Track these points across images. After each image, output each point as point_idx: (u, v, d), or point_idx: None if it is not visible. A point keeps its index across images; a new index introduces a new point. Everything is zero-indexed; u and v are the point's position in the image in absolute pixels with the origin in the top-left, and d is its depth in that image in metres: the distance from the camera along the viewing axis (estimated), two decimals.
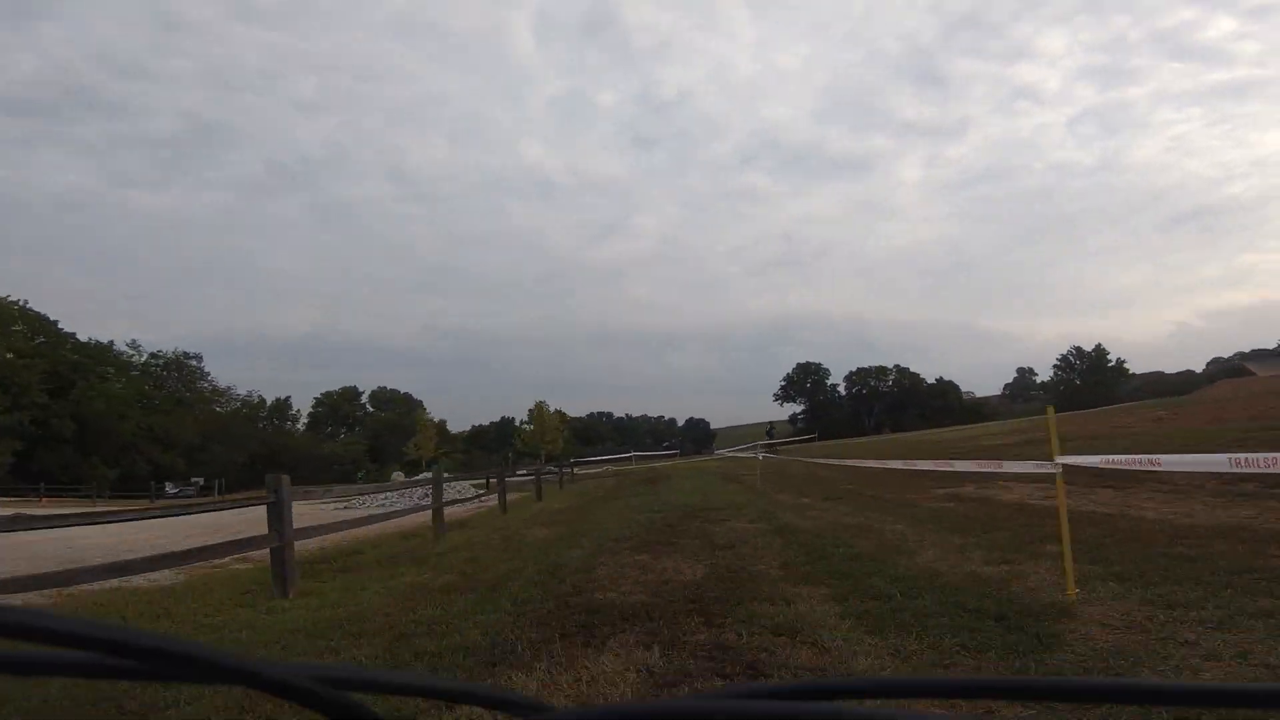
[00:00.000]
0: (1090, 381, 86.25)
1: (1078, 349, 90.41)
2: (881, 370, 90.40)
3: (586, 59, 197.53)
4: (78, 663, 0.34)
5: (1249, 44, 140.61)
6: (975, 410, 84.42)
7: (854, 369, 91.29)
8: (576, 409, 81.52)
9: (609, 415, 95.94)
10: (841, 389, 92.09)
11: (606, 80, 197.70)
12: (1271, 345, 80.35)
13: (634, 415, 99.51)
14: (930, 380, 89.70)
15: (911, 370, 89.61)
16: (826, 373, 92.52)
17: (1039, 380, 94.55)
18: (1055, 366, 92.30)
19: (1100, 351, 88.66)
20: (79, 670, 0.34)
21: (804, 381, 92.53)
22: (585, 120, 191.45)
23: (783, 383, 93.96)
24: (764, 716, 0.36)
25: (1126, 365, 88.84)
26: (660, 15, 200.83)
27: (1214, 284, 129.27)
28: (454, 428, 72.41)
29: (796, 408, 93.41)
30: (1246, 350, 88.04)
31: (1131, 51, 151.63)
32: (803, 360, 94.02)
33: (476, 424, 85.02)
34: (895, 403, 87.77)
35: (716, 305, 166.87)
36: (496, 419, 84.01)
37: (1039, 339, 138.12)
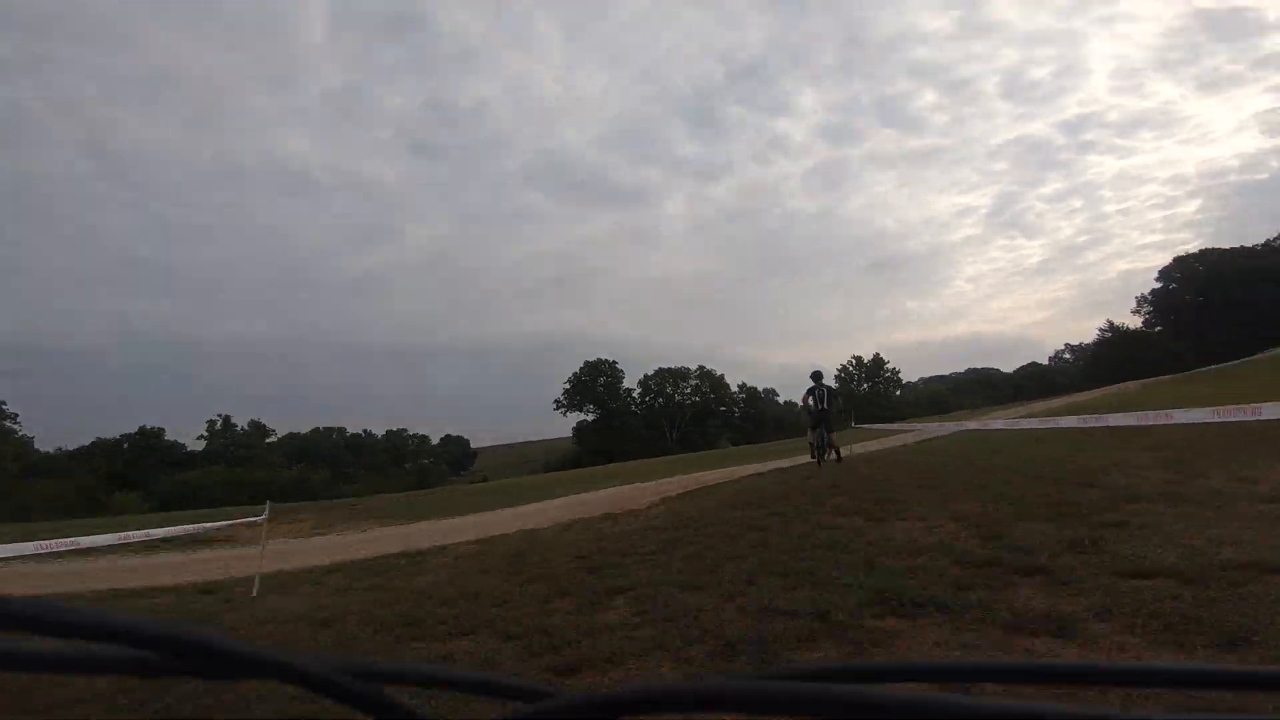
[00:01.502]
0: (874, 390, 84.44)
1: (858, 358, 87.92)
2: (682, 374, 75.66)
3: (381, 57, 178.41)
4: (94, 658, 0.32)
5: (941, 115, 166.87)
6: (780, 419, 74.98)
7: (652, 370, 75.48)
8: (303, 423, 71.74)
9: (341, 431, 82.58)
10: (638, 394, 75.36)
11: (399, 82, 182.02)
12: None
13: (374, 432, 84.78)
14: (735, 386, 77.81)
15: (716, 373, 76.39)
16: (620, 374, 74.94)
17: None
18: (838, 377, 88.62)
19: (878, 360, 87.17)
20: (95, 667, 0.33)
21: (593, 384, 73.68)
22: (363, 119, 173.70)
23: (567, 386, 73.75)
24: (775, 697, 0.35)
25: (900, 374, 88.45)
26: (474, 24, 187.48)
27: (884, 324, 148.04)
28: None
29: (585, 417, 73.88)
30: None
31: (859, 114, 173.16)
32: (592, 359, 74.84)
33: None
34: (700, 411, 73.77)
35: (488, 322, 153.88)
36: None
37: (767, 365, 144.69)
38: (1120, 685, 0.39)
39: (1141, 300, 71.49)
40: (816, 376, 12.44)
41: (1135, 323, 67.94)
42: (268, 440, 72.23)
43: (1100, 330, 70.11)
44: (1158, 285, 71.58)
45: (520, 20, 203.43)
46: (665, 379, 74.73)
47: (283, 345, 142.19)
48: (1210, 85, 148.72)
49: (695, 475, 15.43)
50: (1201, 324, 61.51)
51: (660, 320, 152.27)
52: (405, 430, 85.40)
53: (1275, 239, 67.92)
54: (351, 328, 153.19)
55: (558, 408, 73.59)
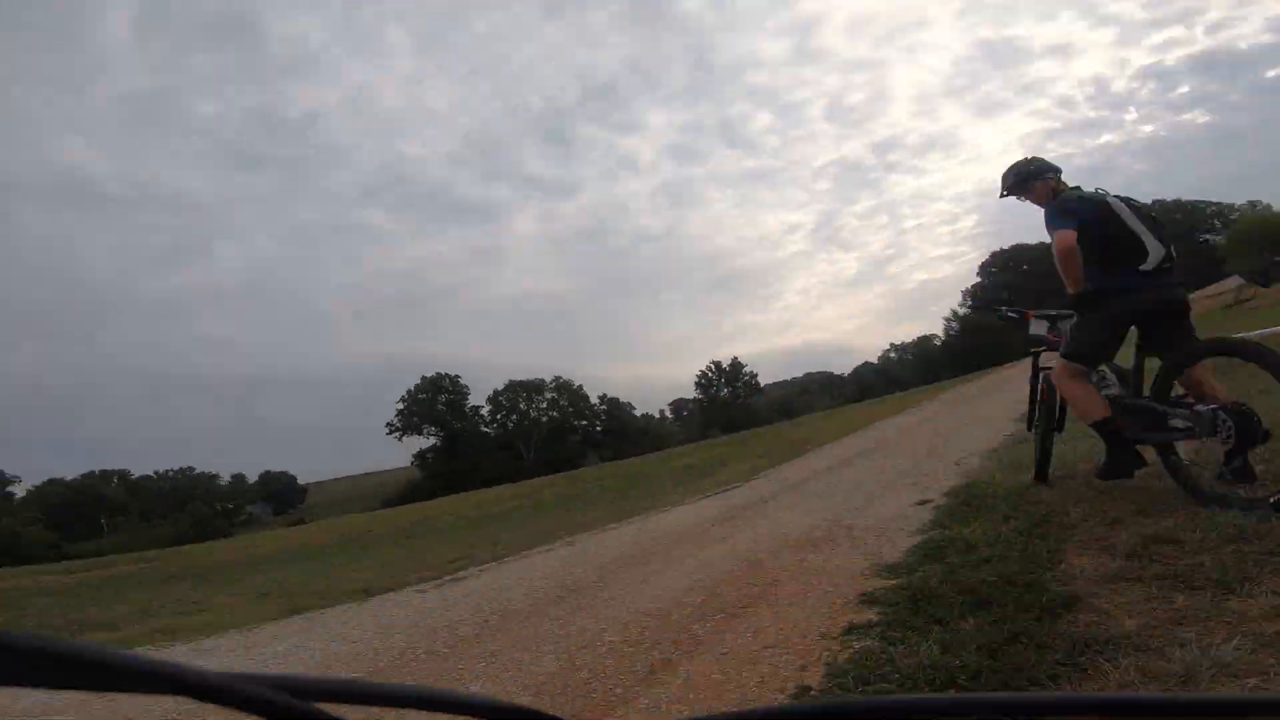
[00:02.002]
0: (735, 394, 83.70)
1: (716, 363, 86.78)
2: (536, 386, 68.74)
3: (191, 60, 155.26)
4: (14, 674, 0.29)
5: (773, 138, 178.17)
6: (644, 431, 70.85)
7: (503, 384, 67.88)
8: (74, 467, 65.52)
9: (125, 474, 72.57)
10: (487, 412, 67.32)
11: (214, 87, 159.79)
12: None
13: (169, 471, 73.37)
14: (594, 398, 72.24)
15: (574, 384, 70.33)
16: (465, 390, 66.50)
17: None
18: (698, 384, 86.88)
19: (737, 365, 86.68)
20: (14, 681, 0.30)
21: (433, 403, 64.56)
22: (167, 127, 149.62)
23: (401, 406, 63.92)
24: None
25: (758, 378, 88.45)
26: (315, 33, 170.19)
27: (729, 337, 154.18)
28: None
29: (425, 441, 64.35)
30: None
31: (703, 135, 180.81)
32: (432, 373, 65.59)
33: None
34: (558, 426, 67.27)
35: (320, 346, 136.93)
36: None
37: (621, 379, 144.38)
38: (1142, 716, 0.35)
39: (966, 293, 76.71)
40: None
41: (935, 327, 72.83)
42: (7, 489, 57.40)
43: (946, 320, 73.70)
44: (977, 279, 77.22)
45: (369, 29, 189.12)
46: (518, 393, 67.43)
47: (59, 373, 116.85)
48: (985, 110, 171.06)
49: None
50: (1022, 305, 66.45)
51: (513, 339, 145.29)
52: (192, 469, 70.70)
53: None
54: (151, 355, 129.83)
55: (391, 431, 63.53)
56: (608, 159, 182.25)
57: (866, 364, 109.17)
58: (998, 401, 12.64)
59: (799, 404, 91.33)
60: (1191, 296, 3.98)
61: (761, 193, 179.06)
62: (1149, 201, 3.77)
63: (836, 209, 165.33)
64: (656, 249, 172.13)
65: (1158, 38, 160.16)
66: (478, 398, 67.47)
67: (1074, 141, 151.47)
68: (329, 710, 0.33)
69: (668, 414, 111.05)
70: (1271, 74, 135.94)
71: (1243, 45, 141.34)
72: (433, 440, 63.53)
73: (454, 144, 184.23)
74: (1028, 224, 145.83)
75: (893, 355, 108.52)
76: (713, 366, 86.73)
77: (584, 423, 71.11)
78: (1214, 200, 78.27)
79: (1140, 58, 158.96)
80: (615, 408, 73.19)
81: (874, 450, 9.66)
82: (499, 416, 66.98)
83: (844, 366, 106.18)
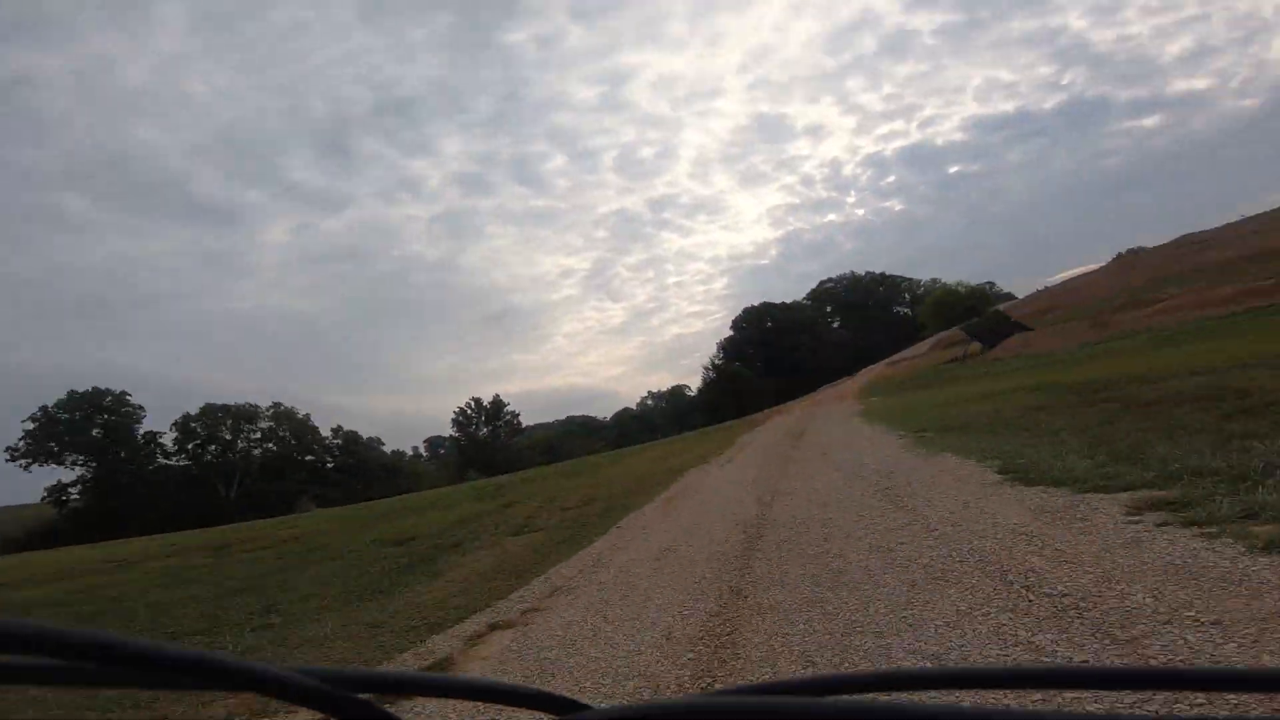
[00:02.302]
0: (495, 434, 78.33)
1: (476, 400, 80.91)
2: (247, 414, 56.01)
3: None
4: (80, 672, 0.32)
5: (564, 180, 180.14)
6: (391, 469, 61.75)
7: (197, 408, 54.06)
8: None
9: None
10: (170, 442, 52.70)
11: None
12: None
13: None
14: (326, 430, 61.17)
15: (299, 414, 58.84)
16: (137, 411, 51.47)
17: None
18: (456, 421, 79.86)
19: (498, 403, 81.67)
20: (82, 679, 0.32)
21: (85, 424, 48.58)
22: None
23: (35, 425, 46.99)
24: (803, 713, 0.34)
25: (520, 418, 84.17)
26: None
27: (495, 374, 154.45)
28: None
29: (68, 473, 47.69)
30: None
31: (496, 168, 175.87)
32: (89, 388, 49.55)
33: None
34: (275, 461, 55.16)
35: None
36: None
37: (375, 413, 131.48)
38: (1110, 688, 0.38)
39: (721, 345, 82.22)
40: None
41: (691, 378, 77.61)
42: None
43: (705, 368, 77.24)
44: (730, 333, 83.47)
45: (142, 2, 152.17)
46: (219, 420, 54.09)
47: None
48: (749, 180, 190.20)
49: None
50: (770, 363, 72.66)
51: (238, 360, 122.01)
52: None
53: (807, 296, 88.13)
54: None
55: (15, 459, 46.06)
56: (388, 178, 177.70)
57: (626, 409, 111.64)
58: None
59: (563, 447, 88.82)
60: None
61: (543, 233, 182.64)
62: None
63: (611, 259, 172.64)
64: (428, 278, 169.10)
65: (884, 129, 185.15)
66: (160, 423, 52.82)
67: (806, 218, 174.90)
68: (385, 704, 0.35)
69: (423, 451, 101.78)
70: (953, 170, 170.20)
71: (939, 141, 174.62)
72: (79, 471, 47.37)
73: (204, 136, 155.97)
74: (769, 288, 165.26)
75: (650, 402, 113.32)
76: (472, 403, 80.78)
77: (311, 458, 59.74)
78: (906, 276, 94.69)
79: (868, 146, 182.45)
80: (353, 443, 62.99)
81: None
82: (190, 446, 52.85)
83: (605, 410, 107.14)
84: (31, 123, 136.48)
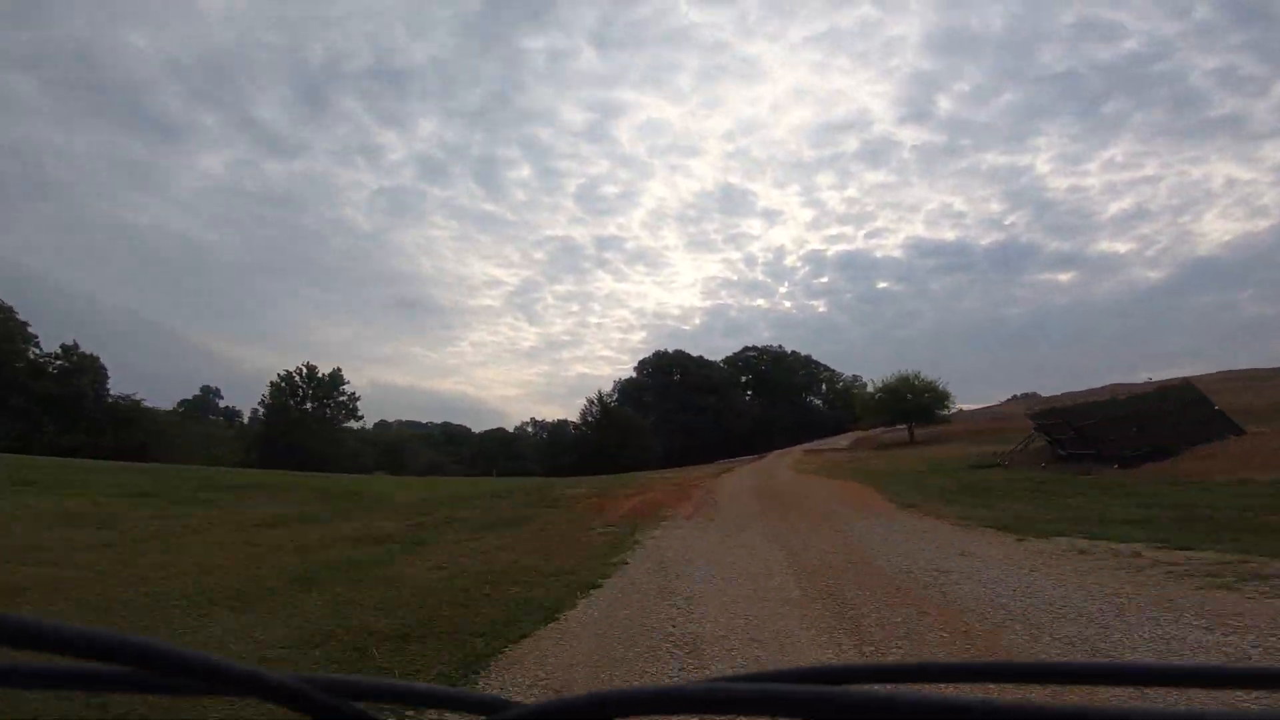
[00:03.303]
0: (320, 410, 62.44)
1: (309, 367, 64.92)
2: None
3: None
4: (68, 673, 0.32)
5: (523, 192, 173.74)
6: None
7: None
8: None
9: None
10: None
11: None
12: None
13: None
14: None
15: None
16: None
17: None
18: (275, 388, 63.48)
19: (337, 378, 66.01)
20: (70, 681, 0.33)
21: None
22: None
23: None
24: (749, 697, 0.35)
25: (359, 400, 68.37)
26: None
27: (384, 361, 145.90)
28: None
29: None
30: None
31: (461, 160, 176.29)
32: None
33: None
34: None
35: None
36: None
37: (240, 365, 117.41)
38: (1132, 685, 0.38)
39: (618, 384, 71.24)
40: None
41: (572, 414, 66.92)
42: None
43: (590, 401, 65.10)
44: (634, 374, 72.77)
45: None
46: None
47: None
48: (696, 244, 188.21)
49: None
50: (666, 417, 62.06)
51: (122, 273, 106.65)
52: None
53: (725, 360, 79.17)
54: None
55: None
56: (352, 140, 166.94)
57: (500, 429, 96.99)
58: None
59: (406, 452, 74.30)
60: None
61: (484, 238, 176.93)
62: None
63: (541, 282, 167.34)
64: (352, 245, 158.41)
65: (835, 230, 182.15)
66: None
67: (737, 297, 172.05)
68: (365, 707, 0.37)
69: (245, 419, 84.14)
70: (881, 285, 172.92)
71: (878, 254, 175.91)
72: None
73: (188, 54, 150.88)
74: (683, 343, 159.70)
75: (529, 430, 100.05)
76: (304, 369, 64.42)
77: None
78: (828, 366, 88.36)
79: (814, 242, 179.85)
80: (76, 371, 45.53)
81: None
82: None
83: (484, 426, 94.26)
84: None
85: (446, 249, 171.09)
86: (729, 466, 34.59)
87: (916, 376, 41.22)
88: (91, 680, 0.33)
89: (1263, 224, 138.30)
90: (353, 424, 68.03)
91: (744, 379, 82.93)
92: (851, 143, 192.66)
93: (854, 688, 0.36)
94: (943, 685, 0.39)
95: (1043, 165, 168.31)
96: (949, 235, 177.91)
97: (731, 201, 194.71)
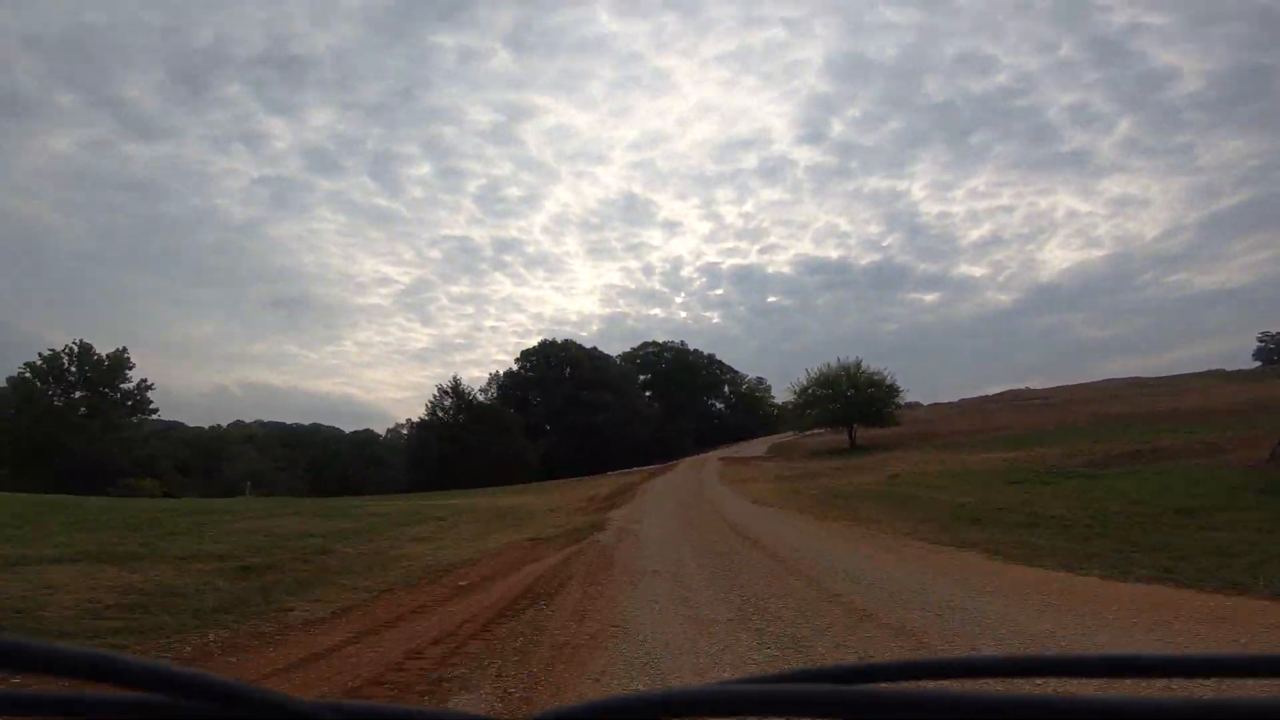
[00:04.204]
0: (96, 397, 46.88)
1: (81, 345, 49.14)
2: None
3: None
4: (106, 702, 0.32)
5: (420, 189, 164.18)
6: None
7: None
8: None
9: None
10: None
11: None
12: None
13: None
14: None
15: None
16: None
17: None
18: (37, 372, 47.16)
19: (119, 361, 50.45)
20: (107, 710, 0.33)
21: None
22: None
23: None
24: (758, 699, 0.34)
25: (149, 388, 52.61)
26: None
27: (255, 360, 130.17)
28: None
29: None
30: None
31: (355, 153, 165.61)
32: None
33: None
34: None
35: None
36: None
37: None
38: (1145, 676, 0.37)
39: (494, 378, 60.20)
40: None
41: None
42: None
43: (441, 391, 52.92)
44: (515, 366, 61.98)
45: None
46: None
47: None
48: (597, 251, 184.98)
49: None
50: (553, 419, 51.90)
51: None
52: None
53: (623, 356, 70.13)
54: None
55: None
56: (233, 127, 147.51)
57: (366, 431, 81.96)
58: None
59: (226, 452, 59.73)
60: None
61: (376, 234, 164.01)
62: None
63: (435, 282, 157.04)
64: (222, 238, 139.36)
65: (731, 244, 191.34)
66: None
67: (635, 306, 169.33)
68: None
69: None
70: (771, 299, 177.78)
71: (769, 270, 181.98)
72: None
73: (51, 30, 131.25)
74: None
75: (403, 431, 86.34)
76: (73, 349, 48.27)
77: None
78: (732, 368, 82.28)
79: (710, 255, 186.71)
80: None
81: None
82: None
83: (352, 426, 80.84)
84: None
85: (333, 244, 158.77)
86: (629, 482, 25.24)
87: (858, 368, 33.86)
88: (110, 707, 0.32)
89: (1096, 254, 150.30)
90: (140, 420, 52.07)
91: (643, 378, 74.42)
92: (751, 160, 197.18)
93: (871, 687, 0.36)
94: (962, 682, 0.38)
95: (918, 191, 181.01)
96: (833, 254, 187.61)
97: (634, 211, 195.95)
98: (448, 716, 0.42)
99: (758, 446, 46.75)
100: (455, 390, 47.38)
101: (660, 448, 56.10)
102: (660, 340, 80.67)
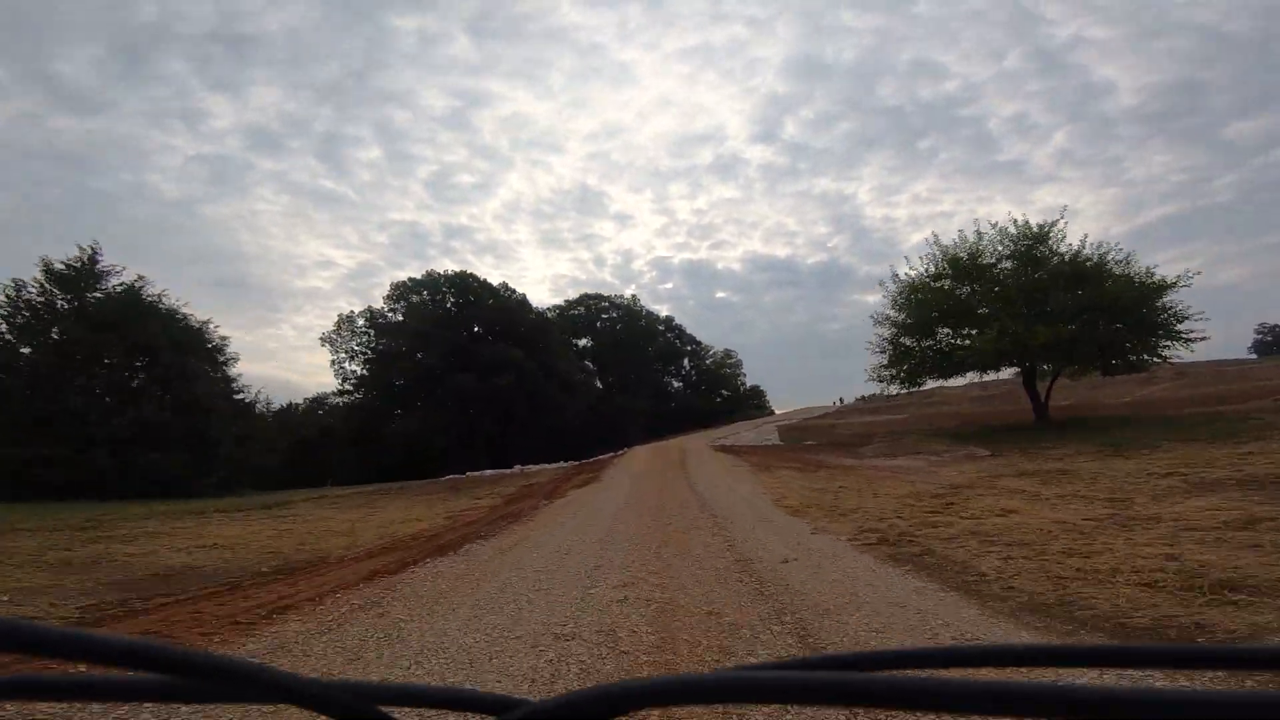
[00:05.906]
0: None
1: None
2: None
3: None
4: (119, 685, 0.33)
5: (369, 173, 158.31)
6: None
7: None
8: None
9: None
10: None
11: None
12: None
13: None
14: None
15: None
16: None
17: None
18: None
19: None
20: (120, 694, 0.33)
21: None
22: None
23: None
24: (768, 686, 0.34)
25: None
26: None
27: None
28: None
29: None
30: None
31: (303, 135, 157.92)
32: None
33: None
34: None
35: None
36: None
37: None
38: (1143, 667, 0.37)
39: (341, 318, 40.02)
40: None
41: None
42: None
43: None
44: (389, 314, 42.03)
45: None
46: None
47: None
48: (549, 241, 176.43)
49: None
50: (461, 397, 32.51)
51: None
52: None
53: (555, 309, 50.69)
54: None
55: None
56: (171, 103, 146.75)
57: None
58: None
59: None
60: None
61: (321, 216, 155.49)
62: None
63: (382, 266, 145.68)
64: (154, 214, 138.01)
65: (682, 239, 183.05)
66: None
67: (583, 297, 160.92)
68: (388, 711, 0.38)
69: None
70: (719, 295, 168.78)
71: (719, 265, 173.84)
72: None
73: None
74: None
75: (321, 412, 65.19)
76: None
77: None
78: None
79: (661, 249, 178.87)
80: None
81: None
82: None
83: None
84: None
85: (274, 225, 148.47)
86: (517, 507, 6.79)
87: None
88: (126, 690, 0.32)
89: None
90: None
91: (581, 344, 55.54)
92: (706, 156, 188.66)
93: (880, 674, 0.35)
94: (973, 670, 0.37)
95: (864, 194, 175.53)
96: (781, 252, 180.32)
97: (587, 202, 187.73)
98: (467, 695, 0.40)
99: (747, 431, 29.05)
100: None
101: (596, 432, 37.73)
102: (607, 296, 61.95)
